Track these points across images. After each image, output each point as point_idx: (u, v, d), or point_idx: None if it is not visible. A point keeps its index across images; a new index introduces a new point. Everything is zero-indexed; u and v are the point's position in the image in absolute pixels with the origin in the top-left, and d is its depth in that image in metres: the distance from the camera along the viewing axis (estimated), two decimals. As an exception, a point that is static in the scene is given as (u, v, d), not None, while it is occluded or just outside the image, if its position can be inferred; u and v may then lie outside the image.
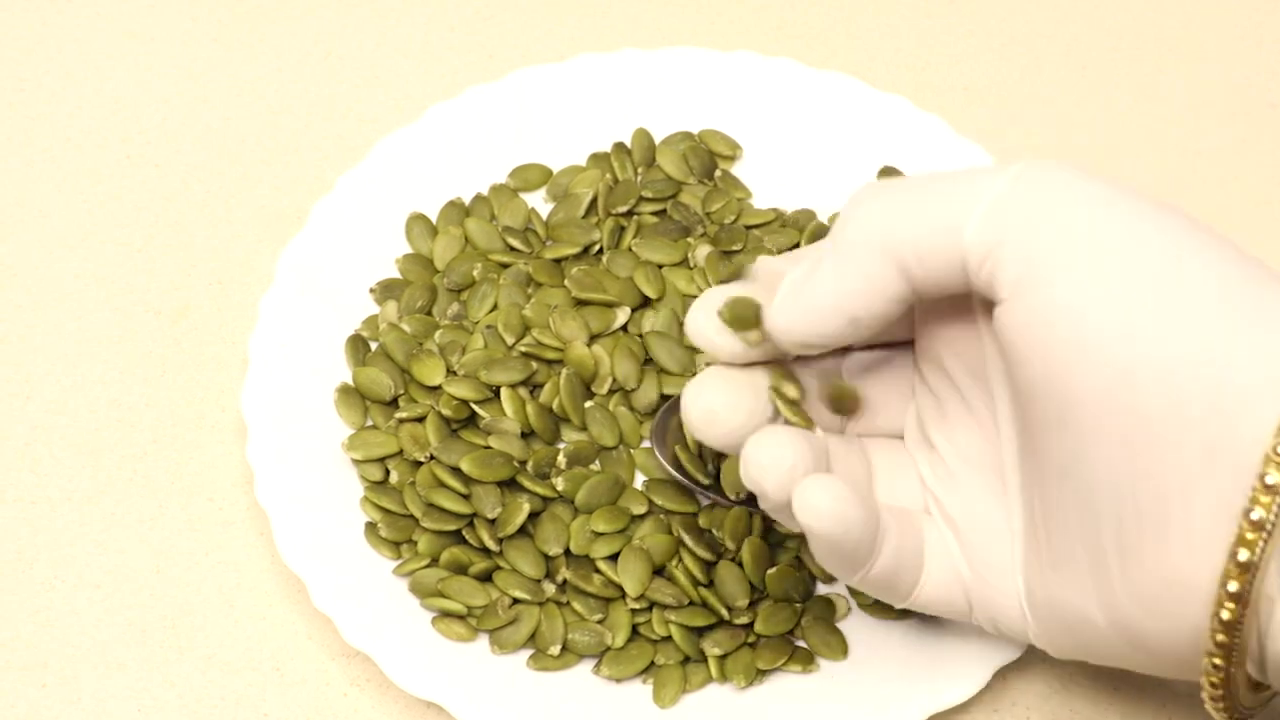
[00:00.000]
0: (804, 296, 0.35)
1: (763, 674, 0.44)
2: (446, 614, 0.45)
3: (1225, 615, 0.31)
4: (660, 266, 0.51)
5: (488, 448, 0.46)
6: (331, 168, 0.55)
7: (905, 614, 0.45)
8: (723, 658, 0.44)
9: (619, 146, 0.54)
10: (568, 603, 0.45)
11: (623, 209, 0.52)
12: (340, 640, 0.45)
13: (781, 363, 0.38)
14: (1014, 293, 0.32)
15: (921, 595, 0.38)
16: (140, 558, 0.47)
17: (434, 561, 0.45)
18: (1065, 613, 0.34)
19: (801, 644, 0.45)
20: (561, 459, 0.47)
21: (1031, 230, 0.32)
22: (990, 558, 0.37)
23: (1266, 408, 0.30)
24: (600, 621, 0.45)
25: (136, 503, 0.48)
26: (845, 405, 0.39)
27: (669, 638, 0.44)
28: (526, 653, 0.45)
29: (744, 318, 0.36)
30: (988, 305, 0.34)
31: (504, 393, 0.47)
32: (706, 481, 0.44)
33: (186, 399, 0.50)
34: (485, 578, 0.45)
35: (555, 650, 0.44)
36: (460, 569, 0.45)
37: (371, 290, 0.51)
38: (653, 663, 0.44)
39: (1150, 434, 0.30)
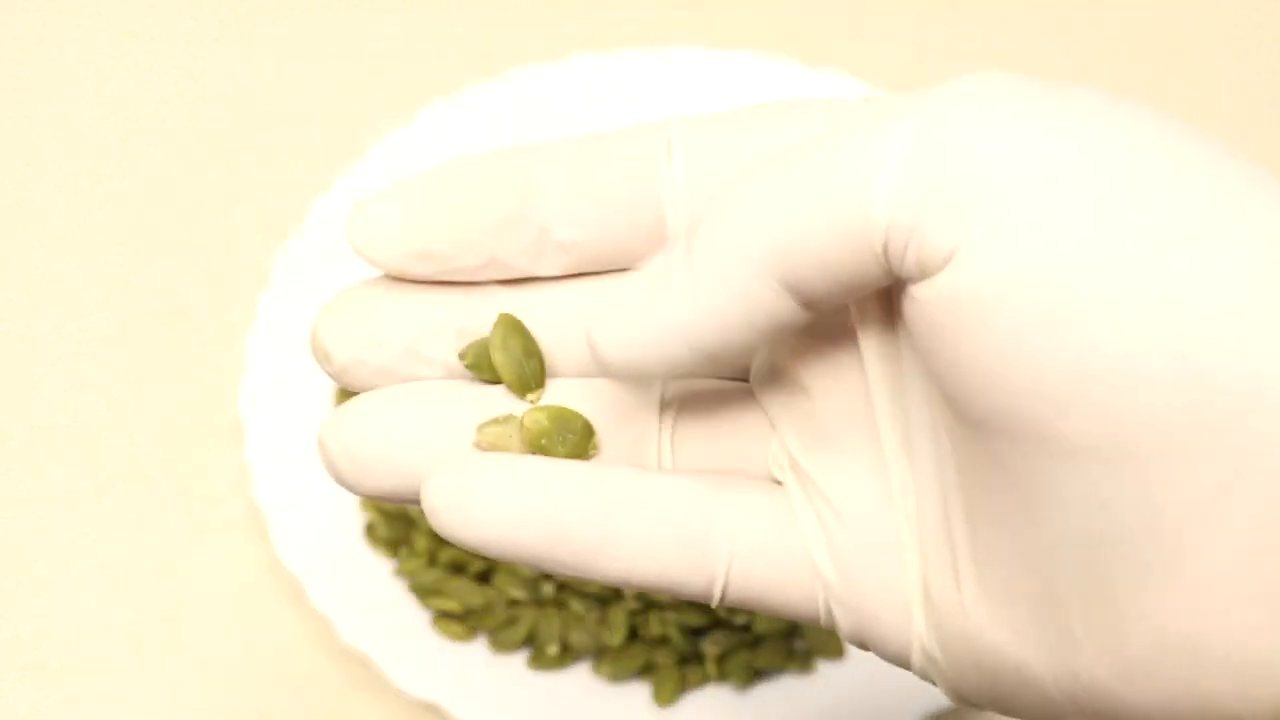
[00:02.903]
0: (645, 322, 0.24)
1: (760, 674, 0.44)
2: (445, 614, 0.45)
3: None
4: (658, 266, 0.51)
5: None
6: (330, 168, 0.55)
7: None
8: (720, 658, 0.44)
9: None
10: (566, 603, 0.45)
11: (621, 209, 0.52)
12: (338, 640, 0.45)
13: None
14: (953, 263, 0.22)
15: (734, 587, 0.26)
16: (139, 558, 0.47)
17: (432, 562, 0.45)
18: (987, 657, 0.25)
19: (799, 644, 0.45)
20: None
21: (967, 181, 0.22)
22: (866, 552, 0.26)
23: None
24: (598, 621, 0.45)
25: (135, 503, 0.48)
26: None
27: (667, 638, 0.44)
28: (525, 653, 0.45)
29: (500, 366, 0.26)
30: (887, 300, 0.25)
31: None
32: None
33: (185, 399, 0.50)
34: (483, 578, 0.45)
35: (553, 650, 0.44)
36: (458, 569, 0.45)
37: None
38: (650, 663, 0.44)
39: (1147, 444, 0.21)
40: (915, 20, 0.61)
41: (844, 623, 0.26)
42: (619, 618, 0.44)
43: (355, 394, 0.26)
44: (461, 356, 0.26)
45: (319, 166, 0.56)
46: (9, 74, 0.59)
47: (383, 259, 0.25)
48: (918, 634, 0.26)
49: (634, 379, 0.26)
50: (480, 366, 0.26)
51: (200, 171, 0.56)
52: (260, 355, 0.48)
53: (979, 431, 0.23)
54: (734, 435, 0.27)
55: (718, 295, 0.24)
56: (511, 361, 0.25)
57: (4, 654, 0.45)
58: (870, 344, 0.25)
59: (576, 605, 0.45)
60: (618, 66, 0.56)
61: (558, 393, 0.26)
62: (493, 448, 0.25)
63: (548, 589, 0.45)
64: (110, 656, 0.45)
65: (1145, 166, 0.22)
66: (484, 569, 0.45)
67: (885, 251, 0.23)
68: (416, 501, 0.25)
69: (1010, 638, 0.24)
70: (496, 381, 0.26)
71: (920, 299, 0.23)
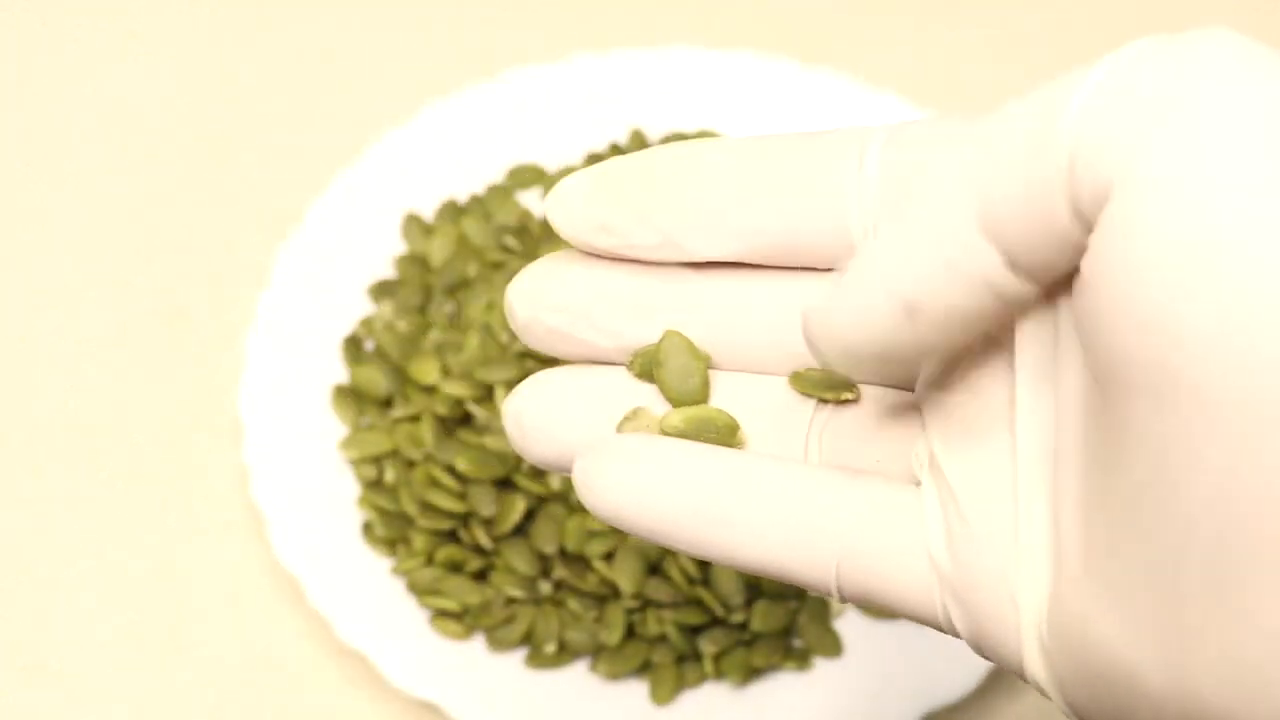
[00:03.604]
0: (855, 285, 0.24)
1: (758, 672, 0.44)
2: (442, 613, 0.45)
3: None
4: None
5: (483, 447, 0.46)
6: (328, 168, 0.55)
7: (900, 612, 0.45)
8: (718, 656, 0.44)
9: (614, 147, 0.54)
10: (563, 601, 0.45)
11: (619, 208, 0.52)
12: (336, 639, 0.45)
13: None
14: (1130, 188, 0.20)
15: (848, 581, 0.26)
16: (138, 558, 0.47)
17: (430, 560, 0.45)
18: (1103, 666, 0.23)
19: (796, 642, 0.45)
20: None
21: (1156, 102, 0.21)
22: (988, 550, 0.25)
23: None
24: (596, 620, 0.45)
25: (135, 503, 0.48)
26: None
27: (664, 636, 0.44)
28: (522, 651, 0.45)
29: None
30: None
31: (499, 391, 0.47)
32: None
33: (184, 399, 0.50)
34: (481, 576, 0.45)
35: (551, 649, 0.44)
36: (456, 568, 0.45)
37: (368, 290, 0.51)
38: (648, 661, 0.44)
39: None
40: (914, 20, 0.61)
41: (960, 624, 0.25)
42: (617, 616, 0.45)
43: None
44: (630, 365, 0.27)
45: (318, 166, 0.56)
46: (9, 74, 0.59)
47: (569, 228, 0.27)
48: (1034, 640, 0.25)
49: (845, 354, 0.25)
50: (646, 375, 0.27)
51: (200, 171, 0.56)
52: (259, 355, 0.48)
53: (1125, 399, 0.21)
54: (884, 440, 0.27)
55: (933, 266, 0.23)
56: (674, 379, 0.27)
57: (4, 654, 0.45)
58: (1025, 336, 0.25)
59: (574, 604, 0.45)
60: (616, 66, 0.56)
61: (720, 392, 0.27)
62: None
63: (545, 587, 0.45)
64: (110, 656, 0.46)
65: None
66: (481, 568, 0.45)
67: (1071, 174, 0.21)
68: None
69: (1126, 643, 0.23)
70: None
71: (1093, 237, 0.21)
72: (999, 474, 0.25)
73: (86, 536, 0.48)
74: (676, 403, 0.27)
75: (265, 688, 0.45)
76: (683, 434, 0.26)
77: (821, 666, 0.45)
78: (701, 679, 0.44)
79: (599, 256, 0.27)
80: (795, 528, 0.25)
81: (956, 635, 0.26)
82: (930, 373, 0.26)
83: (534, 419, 0.27)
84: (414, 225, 0.53)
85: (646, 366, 0.27)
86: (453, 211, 0.53)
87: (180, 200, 0.55)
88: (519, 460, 0.46)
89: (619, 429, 0.27)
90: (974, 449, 0.25)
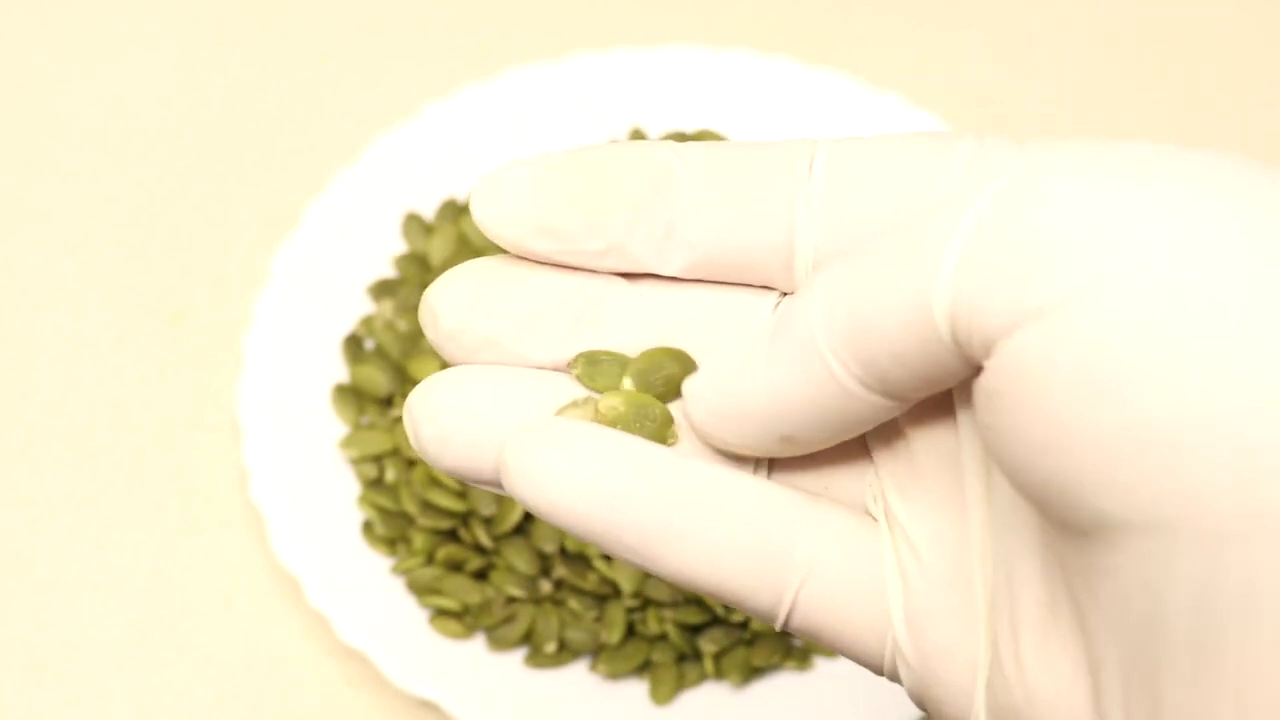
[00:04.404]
0: (731, 404, 0.24)
1: (758, 671, 0.44)
2: (442, 612, 0.45)
3: None
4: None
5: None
6: (327, 168, 0.55)
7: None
8: (718, 655, 0.44)
9: (615, 146, 0.54)
10: (564, 600, 0.45)
11: (619, 208, 0.52)
12: (336, 638, 0.45)
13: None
14: (1012, 332, 0.21)
15: (800, 611, 0.25)
16: (138, 557, 0.47)
17: (430, 559, 0.45)
18: None
19: (797, 642, 0.45)
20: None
21: (1025, 252, 0.21)
22: (939, 608, 0.25)
23: None
24: (596, 619, 0.45)
25: (134, 503, 0.48)
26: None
27: (665, 635, 0.44)
28: (522, 650, 0.45)
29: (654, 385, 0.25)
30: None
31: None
32: None
33: (184, 399, 0.50)
34: (481, 575, 0.45)
35: (551, 648, 0.44)
36: (456, 567, 0.45)
37: (368, 289, 0.51)
38: (648, 660, 0.44)
39: (1193, 522, 0.19)
40: (914, 20, 0.61)
41: (907, 677, 0.25)
42: (617, 615, 0.44)
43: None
44: (571, 366, 0.25)
45: (318, 166, 0.56)
46: (9, 74, 0.59)
47: (505, 232, 0.24)
48: (979, 704, 0.24)
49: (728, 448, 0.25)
50: (587, 378, 0.25)
51: (200, 171, 0.56)
52: (258, 355, 0.48)
53: (1035, 505, 0.22)
54: (837, 462, 0.26)
55: (794, 382, 0.23)
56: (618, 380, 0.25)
57: (4, 654, 0.45)
58: (965, 406, 0.24)
59: (574, 603, 0.45)
60: (613, 65, 0.56)
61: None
62: None
63: (546, 587, 0.45)
64: (110, 656, 0.45)
65: (1210, 227, 0.20)
66: (481, 567, 0.45)
67: (954, 337, 0.22)
68: (490, 483, 0.24)
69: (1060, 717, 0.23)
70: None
71: (981, 373, 0.22)
72: (954, 532, 0.25)
73: (86, 536, 0.48)
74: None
75: (265, 687, 0.45)
76: (621, 417, 0.24)
77: (822, 666, 0.45)
78: (701, 678, 0.44)
79: (533, 261, 0.25)
80: (752, 547, 0.24)
81: (897, 682, 0.25)
82: None
83: (455, 420, 0.24)
84: (414, 224, 0.53)
85: (589, 370, 0.25)
86: (453, 211, 0.53)
87: (180, 200, 0.55)
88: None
89: (558, 415, 0.24)
90: (929, 500, 0.25)
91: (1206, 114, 0.58)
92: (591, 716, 0.43)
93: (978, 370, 0.22)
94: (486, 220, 0.24)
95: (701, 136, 0.55)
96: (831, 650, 0.26)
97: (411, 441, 0.25)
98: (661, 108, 0.55)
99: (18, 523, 0.48)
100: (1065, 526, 0.21)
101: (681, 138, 0.55)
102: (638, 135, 0.55)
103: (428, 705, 0.44)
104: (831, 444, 0.24)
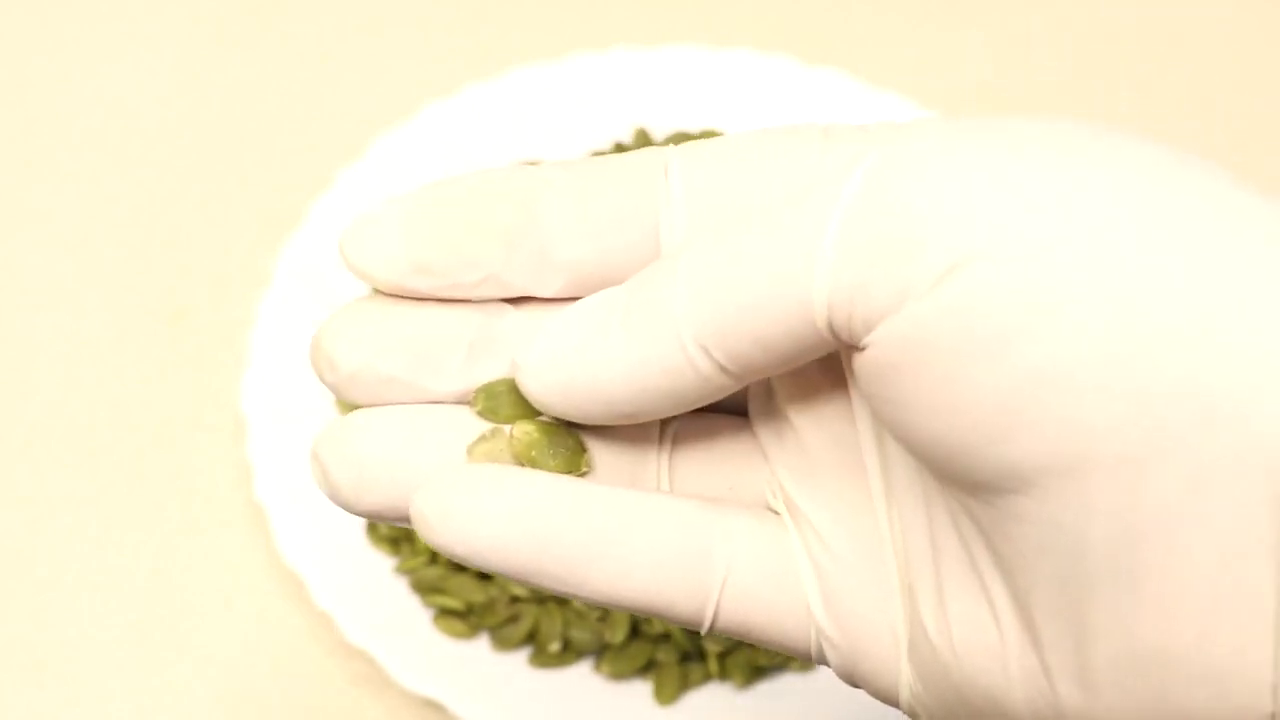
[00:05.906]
0: (571, 375, 0.24)
1: (762, 672, 0.44)
2: (446, 611, 0.45)
3: None
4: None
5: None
6: (330, 167, 0.55)
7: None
8: (722, 655, 0.44)
9: (618, 146, 0.54)
10: (567, 600, 0.45)
11: (621, 207, 0.52)
12: (341, 638, 0.45)
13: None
14: (895, 311, 0.22)
15: (726, 612, 0.25)
16: (139, 558, 0.47)
17: (434, 559, 0.45)
18: (967, 692, 0.24)
19: (800, 641, 0.45)
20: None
21: (905, 233, 0.22)
22: (856, 588, 0.26)
23: None
24: (600, 619, 0.45)
25: (135, 503, 0.48)
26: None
27: (668, 635, 0.44)
28: (526, 650, 0.45)
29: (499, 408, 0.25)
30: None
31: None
32: None
33: (185, 399, 0.50)
34: (485, 575, 0.45)
35: (555, 648, 0.44)
36: (460, 566, 0.45)
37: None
38: (652, 660, 0.44)
39: (1102, 456, 0.21)
40: (914, 20, 0.61)
41: (833, 658, 0.26)
42: (621, 615, 0.44)
43: (353, 404, 0.26)
44: (473, 402, 0.25)
45: (319, 166, 0.56)
46: (9, 74, 0.59)
47: (380, 274, 0.25)
48: (905, 671, 0.25)
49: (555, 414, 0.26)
50: (490, 412, 0.25)
51: (200, 171, 0.56)
52: (262, 352, 0.48)
53: (936, 468, 0.23)
54: (733, 463, 0.27)
55: (648, 366, 0.24)
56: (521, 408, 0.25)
57: (4, 654, 0.45)
58: (854, 385, 0.25)
59: (578, 603, 0.45)
60: (617, 65, 0.56)
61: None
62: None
63: (549, 586, 0.45)
64: (110, 656, 0.45)
65: (1093, 186, 0.22)
66: (485, 567, 0.45)
67: (830, 324, 0.23)
68: (408, 521, 0.25)
69: (986, 669, 0.24)
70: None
71: (865, 350, 0.22)
72: (857, 515, 0.25)
73: (86, 536, 0.48)
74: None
75: (268, 687, 0.45)
76: (536, 444, 0.25)
77: (825, 667, 0.44)
78: (705, 679, 0.44)
79: (407, 299, 0.25)
80: (670, 560, 0.25)
81: (825, 664, 0.26)
82: (759, 403, 0.27)
83: (369, 464, 0.25)
84: (416, 224, 0.52)
85: (490, 404, 0.25)
86: (454, 210, 0.53)
87: (180, 200, 0.55)
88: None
89: (472, 449, 0.25)
90: (827, 489, 0.26)
91: (1207, 114, 0.59)
92: (595, 716, 0.43)
93: (849, 348, 0.23)
94: (360, 263, 0.24)
95: (704, 136, 0.55)
96: (762, 646, 0.26)
97: (321, 488, 0.25)
98: (662, 108, 0.55)
99: (18, 523, 0.48)
100: (971, 484, 0.22)
101: (683, 137, 0.55)
102: (641, 135, 0.55)
103: (432, 705, 0.44)
104: (668, 415, 0.25)
